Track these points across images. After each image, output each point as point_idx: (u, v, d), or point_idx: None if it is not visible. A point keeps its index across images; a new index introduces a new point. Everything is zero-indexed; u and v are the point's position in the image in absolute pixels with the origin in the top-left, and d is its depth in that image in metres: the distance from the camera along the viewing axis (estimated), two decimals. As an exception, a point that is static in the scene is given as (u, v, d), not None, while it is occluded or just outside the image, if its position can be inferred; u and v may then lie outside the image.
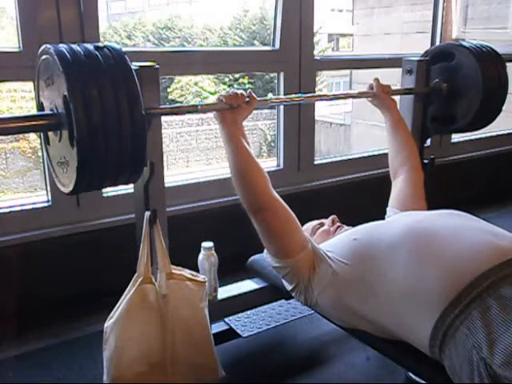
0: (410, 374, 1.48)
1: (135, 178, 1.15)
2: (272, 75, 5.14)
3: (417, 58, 1.85)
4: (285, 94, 2.36)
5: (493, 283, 1.03)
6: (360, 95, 1.80)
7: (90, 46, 1.03)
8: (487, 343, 0.96)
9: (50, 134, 1.14)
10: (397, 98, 1.80)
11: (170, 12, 8.28)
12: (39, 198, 1.94)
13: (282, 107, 2.39)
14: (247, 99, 1.38)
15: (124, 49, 1.07)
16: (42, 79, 1.11)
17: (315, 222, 1.55)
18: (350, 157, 2.81)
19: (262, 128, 6.86)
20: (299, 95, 1.68)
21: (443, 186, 2.53)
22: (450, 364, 1.04)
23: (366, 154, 2.77)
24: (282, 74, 2.35)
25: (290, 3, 2.26)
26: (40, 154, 2.40)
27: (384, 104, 1.70)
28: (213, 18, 7.81)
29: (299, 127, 2.43)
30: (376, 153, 2.74)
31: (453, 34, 5.32)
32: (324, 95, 1.88)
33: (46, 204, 1.91)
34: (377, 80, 1.71)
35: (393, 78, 2.02)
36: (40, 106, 1.15)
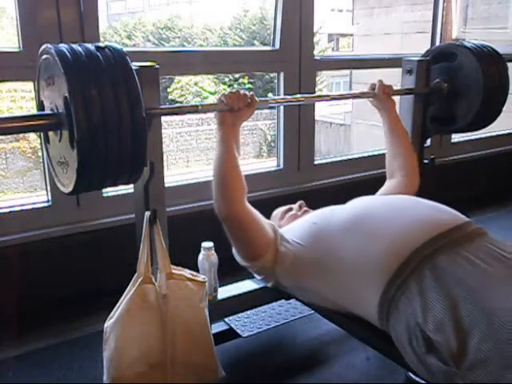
0: (410, 374, 1.48)
1: (135, 179, 1.15)
2: (272, 75, 5.14)
3: (417, 58, 1.85)
4: (285, 94, 2.36)
5: (430, 254, 1.11)
6: (361, 95, 1.80)
7: (91, 47, 1.03)
8: (421, 310, 1.04)
9: (50, 133, 1.14)
10: (396, 97, 1.80)
11: (170, 12, 8.28)
12: (39, 197, 1.94)
13: (282, 107, 2.38)
14: (249, 100, 1.38)
15: (124, 49, 1.07)
16: (43, 79, 1.11)
17: (284, 208, 1.62)
18: (350, 157, 2.80)
19: (262, 128, 6.86)
20: (299, 95, 1.68)
21: (443, 186, 2.53)
22: (394, 333, 1.12)
23: (366, 154, 2.77)
24: (282, 74, 2.35)
25: (290, 3, 2.26)
26: (40, 154, 2.40)
27: (383, 105, 1.72)
28: (213, 18, 7.81)
29: (299, 127, 2.42)
30: (376, 153, 2.74)
31: (453, 34, 5.32)
32: (325, 95, 1.88)
33: (45, 204, 1.91)
34: (380, 81, 1.71)
35: (393, 78, 2.02)
36: (40, 105, 1.15)
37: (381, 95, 1.69)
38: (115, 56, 1.03)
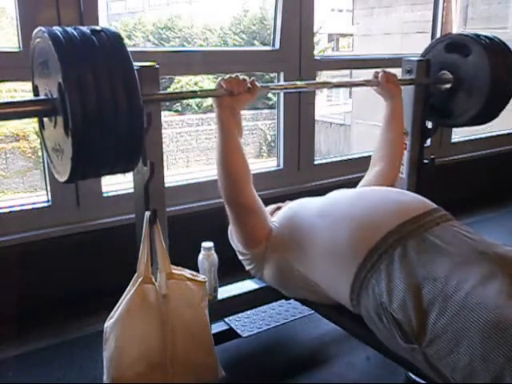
0: (410, 374, 1.48)
1: (133, 167, 1.11)
2: (272, 75, 5.13)
3: (417, 58, 1.85)
4: (284, 94, 2.36)
5: (399, 239, 1.16)
6: (364, 83, 1.78)
7: (86, 30, 0.98)
8: (386, 290, 1.10)
9: (45, 119, 1.09)
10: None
11: (170, 12, 8.29)
12: (39, 197, 1.94)
13: (282, 108, 2.38)
14: (249, 86, 1.36)
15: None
16: (37, 62, 1.07)
17: (274, 206, 1.65)
18: (350, 157, 2.80)
19: (262, 128, 6.87)
20: (301, 82, 1.63)
21: (443, 186, 2.53)
22: (365, 312, 1.17)
23: (365, 154, 2.76)
24: (282, 74, 2.35)
25: (290, 3, 2.26)
26: (40, 153, 2.39)
27: (387, 93, 1.72)
28: (213, 18, 7.81)
29: (299, 127, 2.42)
30: (376, 153, 2.74)
31: (453, 34, 5.31)
32: (327, 82, 1.85)
33: (45, 204, 1.91)
34: (383, 70, 1.71)
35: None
36: (35, 90, 1.12)
37: (384, 84, 1.69)
38: (110, 39, 0.98)
